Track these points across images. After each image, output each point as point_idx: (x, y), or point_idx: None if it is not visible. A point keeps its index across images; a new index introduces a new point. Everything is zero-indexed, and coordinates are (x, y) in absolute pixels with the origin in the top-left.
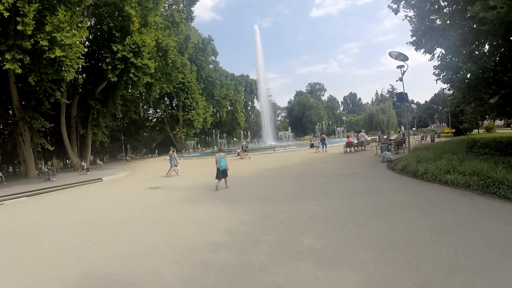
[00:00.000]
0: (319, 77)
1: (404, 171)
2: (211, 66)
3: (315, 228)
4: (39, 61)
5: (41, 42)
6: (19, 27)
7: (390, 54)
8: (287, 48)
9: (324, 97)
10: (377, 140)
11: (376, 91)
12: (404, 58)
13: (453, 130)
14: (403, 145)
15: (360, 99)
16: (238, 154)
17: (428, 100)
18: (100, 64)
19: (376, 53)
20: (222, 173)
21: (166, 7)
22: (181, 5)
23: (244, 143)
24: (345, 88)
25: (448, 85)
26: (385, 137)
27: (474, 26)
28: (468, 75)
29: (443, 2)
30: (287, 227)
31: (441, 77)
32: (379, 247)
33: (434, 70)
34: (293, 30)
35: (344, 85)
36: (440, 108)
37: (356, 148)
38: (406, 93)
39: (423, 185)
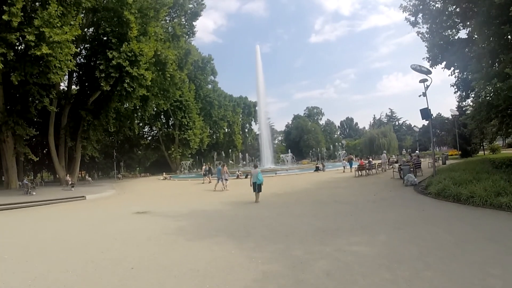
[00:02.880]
0: (316, 102)
1: (442, 196)
2: (209, 86)
3: (381, 283)
4: (24, 59)
5: (27, 36)
6: (5, 17)
7: (412, 67)
8: (285, 73)
9: (322, 121)
10: (387, 162)
11: (374, 115)
12: (427, 72)
13: (459, 152)
14: (420, 167)
15: (356, 123)
16: (205, 175)
17: (425, 124)
18: (94, 73)
19: (372, 79)
20: (258, 187)
21: (168, 20)
22: (183, 19)
23: (205, 166)
24: (341, 113)
25: (473, 99)
26: (403, 159)
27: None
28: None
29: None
30: (339, 285)
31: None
32: None
33: (454, 86)
34: (292, 55)
35: (340, 110)
36: (438, 131)
37: (367, 171)
38: (429, 109)
39: (474, 211)
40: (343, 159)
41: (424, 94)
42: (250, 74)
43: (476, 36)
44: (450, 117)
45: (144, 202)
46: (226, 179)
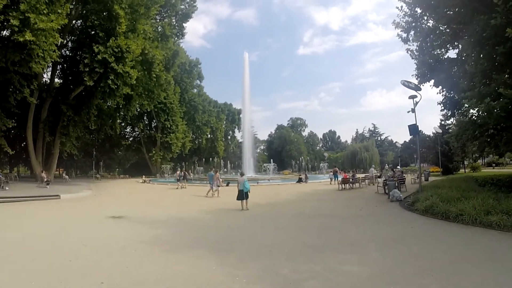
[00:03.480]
0: (299, 113)
1: (429, 212)
2: (195, 90)
3: None
4: (7, 45)
5: (12, 21)
6: None
7: (401, 82)
8: (271, 82)
9: (305, 133)
10: (371, 176)
11: (357, 129)
12: (417, 88)
13: (441, 169)
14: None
15: (339, 137)
16: (178, 181)
17: (407, 141)
18: (79, 67)
19: (356, 94)
20: (245, 195)
21: (158, 20)
22: (174, 20)
23: (179, 172)
24: (324, 125)
25: (458, 117)
26: (388, 174)
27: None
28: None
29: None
30: None
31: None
32: None
33: (440, 104)
34: (279, 65)
35: (324, 123)
36: (420, 148)
37: (351, 185)
38: (417, 125)
39: (464, 230)
40: (330, 171)
41: (413, 110)
42: (236, 81)
43: (465, 56)
44: (432, 134)
45: (120, 206)
46: (218, 186)
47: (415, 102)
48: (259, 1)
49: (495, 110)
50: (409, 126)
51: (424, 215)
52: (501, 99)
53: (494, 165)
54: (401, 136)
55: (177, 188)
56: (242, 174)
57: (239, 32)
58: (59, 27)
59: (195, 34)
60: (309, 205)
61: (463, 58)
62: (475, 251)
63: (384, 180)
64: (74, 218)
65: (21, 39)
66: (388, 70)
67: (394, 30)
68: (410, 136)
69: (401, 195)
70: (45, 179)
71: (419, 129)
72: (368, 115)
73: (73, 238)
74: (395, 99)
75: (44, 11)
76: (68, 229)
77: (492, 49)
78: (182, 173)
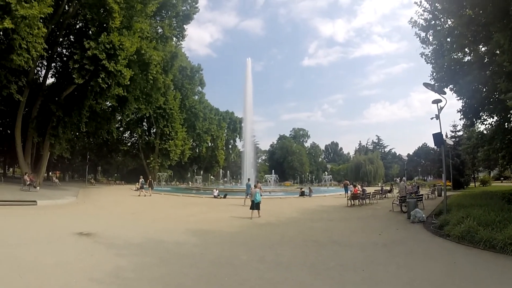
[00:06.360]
0: (302, 124)
1: (467, 240)
2: (196, 97)
3: None
4: None
5: None
6: None
7: (424, 84)
8: (274, 93)
9: (307, 144)
10: (380, 191)
11: (360, 141)
12: (440, 91)
13: (450, 183)
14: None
15: (341, 148)
16: (141, 188)
17: (411, 153)
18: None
19: (359, 106)
20: (256, 205)
21: (158, 20)
22: (174, 21)
23: (141, 179)
24: (327, 137)
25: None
26: (409, 186)
27: None
28: None
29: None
30: None
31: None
32: None
33: (460, 111)
34: (283, 76)
35: (326, 135)
36: (423, 161)
37: (361, 200)
38: (442, 134)
39: None
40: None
41: (437, 117)
42: (240, 92)
43: (499, 52)
44: (437, 147)
45: (98, 218)
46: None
47: (439, 107)
48: (266, 12)
49: None
50: (433, 134)
51: (460, 243)
52: None
53: (502, 178)
54: (404, 149)
55: (139, 196)
56: (255, 186)
57: (245, 42)
58: (43, 16)
59: (202, 42)
60: (317, 227)
61: (486, 61)
62: None
63: (401, 197)
64: (35, 232)
65: (0, 27)
66: (391, 82)
67: (398, 42)
68: (415, 148)
69: (423, 215)
70: (28, 182)
71: (423, 142)
72: (370, 127)
73: (11, 264)
74: (398, 112)
75: None
76: (16, 248)
77: None
78: (149, 180)
